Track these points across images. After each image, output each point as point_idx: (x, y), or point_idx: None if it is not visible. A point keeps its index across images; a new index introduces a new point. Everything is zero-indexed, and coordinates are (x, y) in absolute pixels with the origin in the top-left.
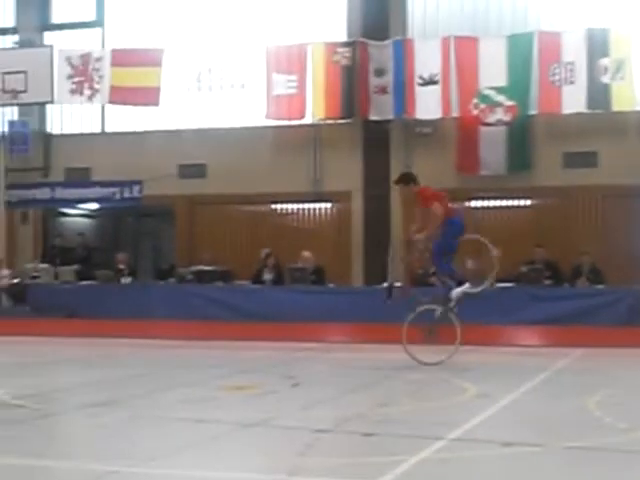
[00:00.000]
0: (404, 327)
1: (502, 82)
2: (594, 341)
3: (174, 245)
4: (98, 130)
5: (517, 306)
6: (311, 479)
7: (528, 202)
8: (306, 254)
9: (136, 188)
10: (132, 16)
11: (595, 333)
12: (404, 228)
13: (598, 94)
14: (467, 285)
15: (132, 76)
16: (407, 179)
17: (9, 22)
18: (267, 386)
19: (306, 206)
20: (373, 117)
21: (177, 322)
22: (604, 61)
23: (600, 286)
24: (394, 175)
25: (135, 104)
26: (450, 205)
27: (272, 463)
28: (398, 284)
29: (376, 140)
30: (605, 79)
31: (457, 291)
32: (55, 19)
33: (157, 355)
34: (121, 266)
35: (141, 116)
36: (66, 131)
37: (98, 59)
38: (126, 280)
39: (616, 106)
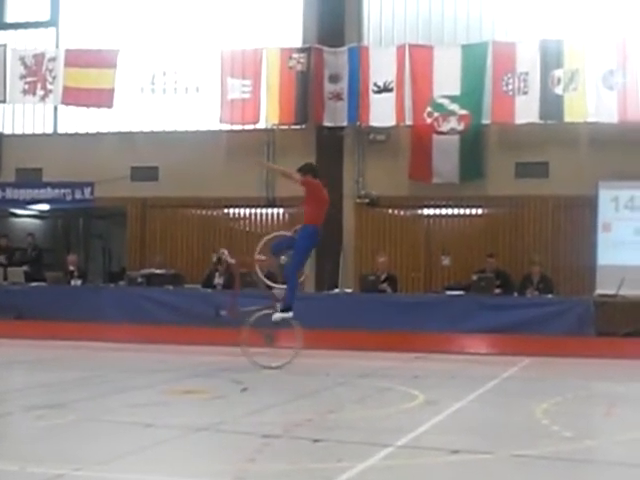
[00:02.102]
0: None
1: (456, 91)
2: (543, 350)
3: (125, 248)
4: (50, 131)
5: (467, 314)
6: None
7: (480, 211)
8: (260, 257)
9: (88, 190)
10: (87, 16)
11: (544, 342)
12: (356, 235)
13: (551, 105)
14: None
15: (86, 77)
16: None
17: None
18: (216, 391)
19: (258, 211)
20: (327, 123)
21: (127, 325)
22: (557, 72)
23: (549, 296)
24: (347, 181)
25: (88, 105)
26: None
27: (220, 468)
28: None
29: (329, 146)
30: (558, 90)
31: (278, 316)
32: (9, 18)
33: (106, 358)
34: (71, 268)
35: (94, 117)
36: (18, 131)
37: (52, 59)
38: (76, 282)
39: (568, 117)
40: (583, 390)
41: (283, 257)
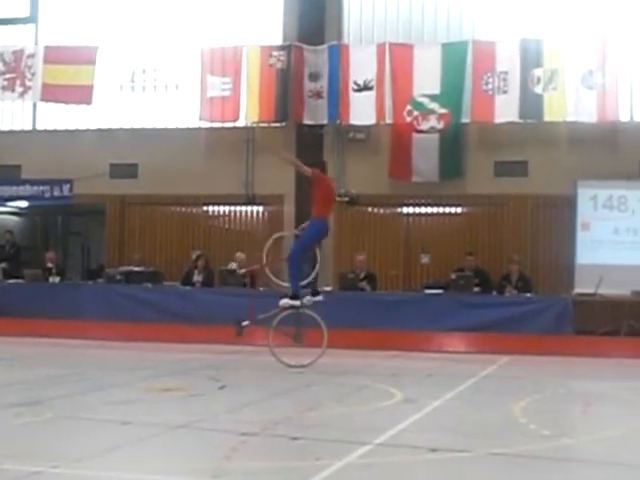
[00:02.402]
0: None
1: (436, 90)
2: (521, 348)
3: (104, 245)
4: (29, 127)
5: (446, 313)
6: None
7: (459, 210)
8: (239, 255)
9: (66, 187)
10: (66, 13)
11: (522, 341)
12: (335, 233)
13: (530, 104)
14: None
15: (65, 74)
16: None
17: None
18: (194, 389)
19: (238, 209)
20: (307, 121)
21: (105, 322)
22: (537, 71)
23: (528, 294)
24: None
25: (67, 102)
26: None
27: (196, 465)
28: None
29: (309, 144)
30: (537, 89)
31: (285, 301)
32: None
33: (84, 356)
34: (49, 265)
35: (73, 114)
36: None
37: (31, 56)
38: (54, 279)
39: (548, 116)
40: (561, 388)
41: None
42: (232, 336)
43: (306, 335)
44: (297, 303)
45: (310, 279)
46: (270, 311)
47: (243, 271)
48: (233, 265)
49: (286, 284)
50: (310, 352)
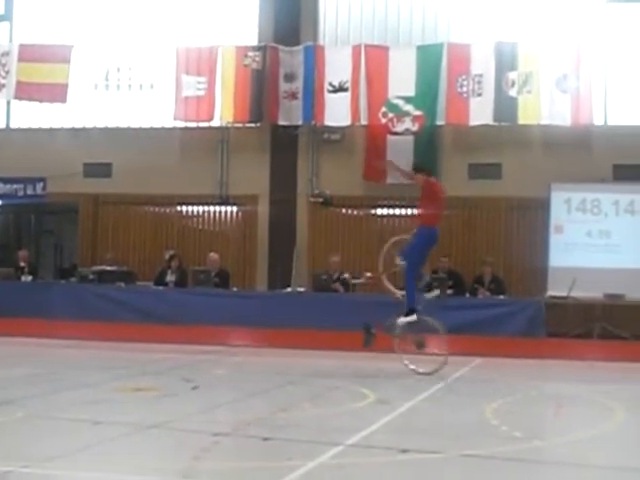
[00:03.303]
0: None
1: (411, 92)
2: (494, 351)
3: (77, 244)
4: (3, 125)
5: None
6: None
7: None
8: (213, 255)
9: (40, 185)
10: (41, 11)
11: (495, 343)
12: (309, 234)
13: (505, 107)
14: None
15: (39, 72)
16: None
17: None
18: (167, 389)
19: (212, 209)
20: (282, 122)
21: (78, 322)
22: (512, 74)
23: (501, 296)
24: (301, 181)
25: (42, 100)
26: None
27: (167, 465)
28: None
29: (284, 145)
30: (512, 92)
31: (401, 321)
32: None
33: (56, 355)
34: (22, 264)
35: (47, 113)
36: None
37: (5, 54)
38: (27, 278)
39: (522, 119)
40: (533, 390)
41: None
42: (360, 344)
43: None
44: (414, 318)
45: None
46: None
47: (360, 280)
48: (346, 275)
49: (401, 293)
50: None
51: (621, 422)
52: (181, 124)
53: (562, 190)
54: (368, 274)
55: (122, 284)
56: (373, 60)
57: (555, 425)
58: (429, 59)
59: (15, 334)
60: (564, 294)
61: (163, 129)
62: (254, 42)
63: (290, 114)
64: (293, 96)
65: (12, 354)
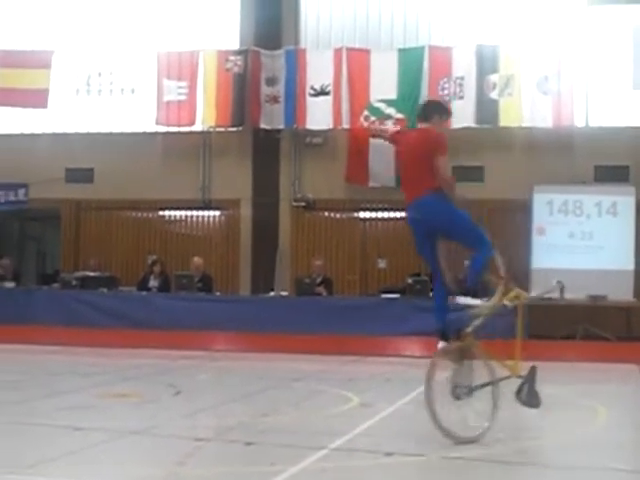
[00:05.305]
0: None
1: (392, 95)
2: None
3: (59, 250)
4: None
5: (402, 317)
6: None
7: None
8: (197, 260)
9: (22, 191)
10: (21, 16)
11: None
12: (292, 238)
13: (486, 109)
14: None
15: (20, 77)
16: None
17: None
18: (149, 394)
19: (194, 213)
20: (264, 126)
21: (60, 328)
22: (493, 77)
23: (484, 299)
24: (283, 184)
25: (23, 106)
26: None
27: (149, 471)
28: None
29: (266, 149)
30: (493, 95)
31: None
32: None
33: (38, 361)
34: (4, 270)
35: (29, 118)
36: None
37: None
38: (9, 284)
39: (503, 122)
40: None
41: None
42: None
43: None
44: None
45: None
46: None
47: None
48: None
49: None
50: None
51: (605, 423)
52: (163, 129)
53: (544, 192)
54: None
55: (105, 290)
56: (355, 63)
57: (539, 427)
58: (411, 62)
59: None
60: (547, 296)
61: (145, 134)
62: (235, 46)
63: (272, 118)
64: (275, 100)
65: None
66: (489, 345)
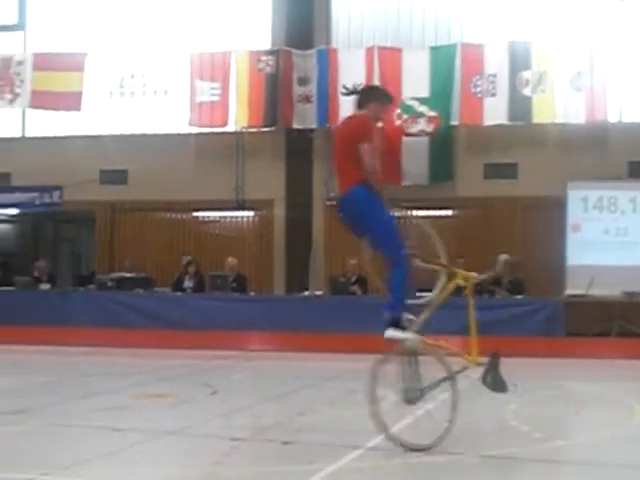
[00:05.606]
0: None
1: (425, 93)
2: (512, 351)
3: (94, 251)
4: (18, 135)
5: (437, 315)
6: None
7: (449, 213)
8: (231, 260)
9: (56, 193)
10: (55, 20)
11: (513, 343)
12: (326, 237)
13: (519, 106)
14: None
15: (54, 80)
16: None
17: None
18: (185, 394)
19: (228, 214)
20: (296, 126)
21: (96, 329)
22: (526, 74)
23: (519, 296)
24: (316, 184)
25: (57, 109)
26: None
27: (187, 472)
28: None
29: (299, 149)
30: (526, 91)
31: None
32: None
33: (74, 362)
34: (39, 274)
35: (62, 121)
36: None
37: (19, 63)
38: (45, 286)
39: (536, 118)
40: (552, 390)
41: None
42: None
43: None
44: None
45: None
46: None
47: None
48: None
49: None
50: None
51: None
52: (196, 130)
53: (578, 188)
54: None
55: (140, 290)
56: (387, 62)
57: (576, 425)
58: (443, 60)
59: (33, 342)
60: (582, 292)
61: (178, 135)
62: (267, 46)
63: (304, 118)
64: (307, 100)
65: (30, 362)
66: (448, 339)
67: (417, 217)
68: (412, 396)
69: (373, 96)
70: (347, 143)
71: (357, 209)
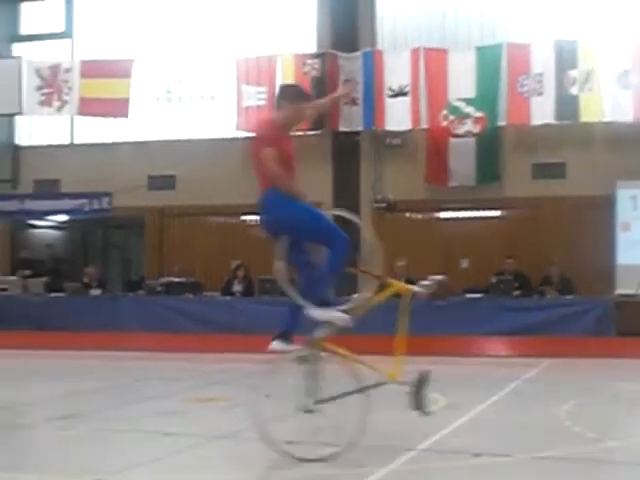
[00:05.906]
0: None
1: (471, 94)
2: (563, 351)
3: (143, 257)
4: (67, 141)
5: (486, 317)
6: None
7: (497, 213)
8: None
9: (105, 200)
10: (101, 27)
11: (564, 343)
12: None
13: (566, 105)
14: None
15: (101, 87)
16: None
17: None
18: (237, 398)
19: None
20: (343, 128)
21: (146, 334)
22: (572, 72)
23: (569, 296)
24: (363, 186)
25: (104, 115)
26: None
27: (238, 476)
28: None
29: (346, 151)
30: (573, 90)
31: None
32: (24, 30)
33: (126, 367)
34: (89, 280)
35: (110, 127)
36: (35, 142)
37: (67, 70)
38: (95, 292)
39: (584, 117)
40: (605, 391)
41: None
42: None
43: None
44: None
45: None
46: None
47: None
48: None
49: None
50: None
51: None
52: (243, 134)
53: (627, 187)
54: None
55: (190, 295)
56: (432, 63)
57: (629, 425)
58: (489, 60)
59: (85, 347)
60: (633, 292)
61: (225, 140)
62: (313, 49)
63: (351, 120)
64: (353, 102)
65: (82, 367)
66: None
67: (465, 218)
68: (310, 405)
69: (286, 95)
70: (254, 147)
71: (272, 213)
